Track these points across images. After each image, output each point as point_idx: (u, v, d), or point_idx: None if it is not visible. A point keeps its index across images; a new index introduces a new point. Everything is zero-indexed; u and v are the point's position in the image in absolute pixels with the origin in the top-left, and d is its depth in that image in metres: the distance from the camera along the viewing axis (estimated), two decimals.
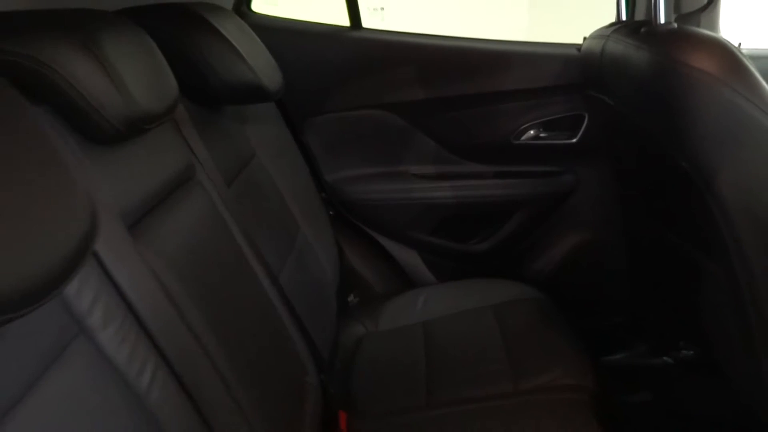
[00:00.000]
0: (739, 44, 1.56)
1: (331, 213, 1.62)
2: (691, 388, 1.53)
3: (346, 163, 1.63)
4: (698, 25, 1.38)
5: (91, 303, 0.61)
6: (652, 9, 1.05)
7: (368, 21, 1.62)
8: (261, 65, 1.16)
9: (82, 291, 0.61)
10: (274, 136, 1.44)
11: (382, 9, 3.45)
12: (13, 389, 0.49)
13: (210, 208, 0.93)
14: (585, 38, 1.39)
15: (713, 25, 1.38)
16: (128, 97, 0.71)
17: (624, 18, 1.39)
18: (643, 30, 1.05)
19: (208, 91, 1.10)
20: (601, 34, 1.24)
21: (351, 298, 1.64)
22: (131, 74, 0.72)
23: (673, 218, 1.17)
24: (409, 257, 1.69)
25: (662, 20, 1.04)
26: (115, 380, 0.62)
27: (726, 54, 0.89)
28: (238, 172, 1.16)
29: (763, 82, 0.88)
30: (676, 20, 1.38)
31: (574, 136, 1.56)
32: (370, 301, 1.60)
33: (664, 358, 1.67)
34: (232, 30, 1.13)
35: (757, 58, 1.57)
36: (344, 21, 1.60)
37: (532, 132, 1.58)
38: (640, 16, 1.44)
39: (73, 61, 0.67)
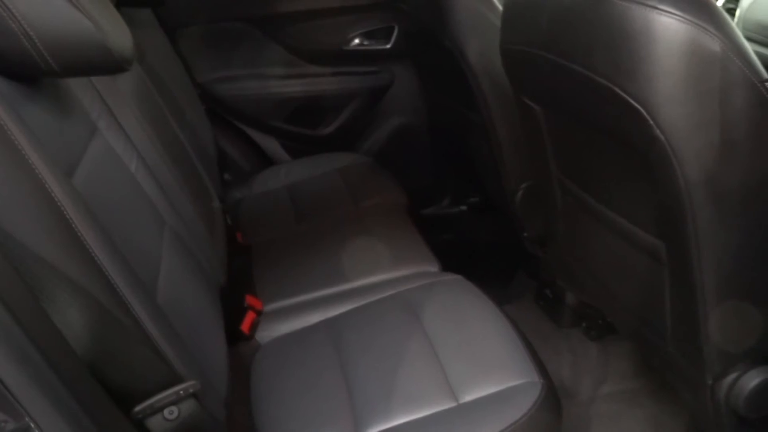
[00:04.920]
0: None
1: (204, 107, 2.01)
2: (480, 226, 2.17)
3: (214, 66, 2.02)
4: None
5: (98, 114, 1.02)
6: None
7: None
8: None
9: (93, 104, 1.01)
10: (157, 42, 1.80)
11: None
12: (78, 144, 0.89)
13: (141, 77, 1.33)
14: None
15: None
16: None
17: None
18: None
19: None
20: None
21: (226, 176, 2.07)
22: None
23: (450, 89, 1.74)
24: (269, 142, 2.14)
25: None
26: (120, 163, 1.03)
27: None
28: (139, 64, 1.53)
29: None
30: None
31: (389, 43, 2.08)
32: (241, 177, 2.04)
33: (460, 207, 2.32)
34: None
35: None
36: None
37: (357, 41, 2.07)
38: None
39: None
